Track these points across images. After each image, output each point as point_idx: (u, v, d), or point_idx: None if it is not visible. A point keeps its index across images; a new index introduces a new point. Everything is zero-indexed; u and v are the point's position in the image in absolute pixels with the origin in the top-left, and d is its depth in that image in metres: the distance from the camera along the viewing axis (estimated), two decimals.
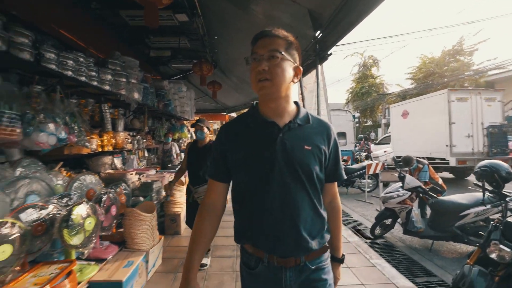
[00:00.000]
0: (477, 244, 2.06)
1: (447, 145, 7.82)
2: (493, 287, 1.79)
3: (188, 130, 7.65)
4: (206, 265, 2.86)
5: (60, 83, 2.33)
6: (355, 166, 7.11)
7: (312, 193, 0.99)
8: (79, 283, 1.45)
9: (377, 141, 13.61)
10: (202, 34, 4.85)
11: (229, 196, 1.10)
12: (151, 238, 2.32)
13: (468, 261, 2.02)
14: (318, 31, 3.12)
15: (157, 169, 4.84)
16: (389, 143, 10.55)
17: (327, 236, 1.06)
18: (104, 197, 1.85)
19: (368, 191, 6.49)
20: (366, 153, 11.06)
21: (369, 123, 30.25)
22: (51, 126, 1.90)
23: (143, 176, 3.62)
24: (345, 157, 8.37)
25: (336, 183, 1.13)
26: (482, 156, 7.59)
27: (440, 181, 4.40)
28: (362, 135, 18.39)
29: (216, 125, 15.28)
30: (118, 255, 1.93)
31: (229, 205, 1.12)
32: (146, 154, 5.54)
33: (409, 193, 3.55)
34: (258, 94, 0.97)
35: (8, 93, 1.69)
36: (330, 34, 2.95)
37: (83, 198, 1.83)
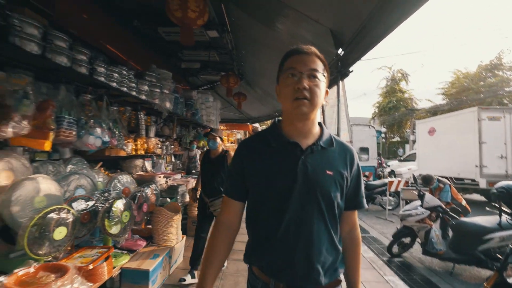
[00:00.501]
0: (495, 268, 2.02)
1: (476, 166, 7.43)
2: None
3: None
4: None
5: (106, 93, 2.66)
6: (377, 182, 6.96)
7: (329, 222, 0.93)
8: (114, 267, 1.67)
9: (402, 158, 13.15)
10: (230, 48, 5.17)
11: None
12: (175, 236, 2.53)
13: (485, 284, 1.99)
14: (340, 49, 3.26)
15: (182, 174, 5.14)
16: (414, 160, 10.15)
17: (341, 270, 0.99)
18: (138, 195, 2.09)
19: (389, 209, 6.31)
20: (390, 170, 10.74)
21: (397, 138, 29.17)
22: (98, 130, 2.20)
23: (170, 179, 3.90)
24: (366, 173, 8.21)
25: (356, 212, 1.05)
26: None
27: (464, 203, 4.23)
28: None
29: (239, 134, 15.62)
30: (145, 248, 2.15)
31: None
32: (173, 160, 5.88)
33: (428, 212, 3.48)
34: (293, 112, 0.91)
35: (68, 102, 2.02)
36: (351, 52, 3.07)
37: (120, 194, 2.09)
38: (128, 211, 1.82)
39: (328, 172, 0.92)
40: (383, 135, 28.34)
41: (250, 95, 7.75)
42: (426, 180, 4.36)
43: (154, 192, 2.45)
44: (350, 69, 3.39)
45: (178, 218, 2.60)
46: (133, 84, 3.21)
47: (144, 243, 2.18)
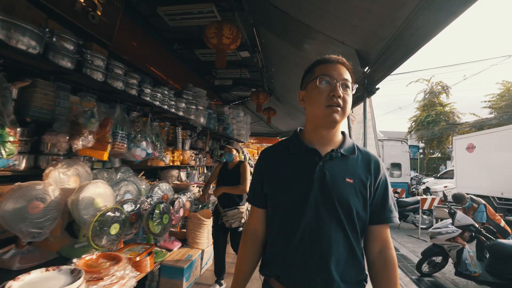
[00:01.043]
0: None
1: None
2: None
3: (243, 152, 8.27)
4: None
5: (150, 110, 3.05)
6: (409, 199, 6.66)
7: (350, 232, 0.88)
8: (155, 262, 1.93)
9: (438, 175, 12.33)
10: (261, 67, 5.49)
11: None
12: (207, 240, 2.76)
13: None
14: (366, 67, 3.36)
15: (213, 184, 5.44)
16: (452, 178, 9.51)
17: (364, 285, 0.92)
18: (176, 201, 2.37)
19: (422, 228, 5.99)
20: (425, 187, 10.10)
21: (437, 154, 27.27)
22: (144, 143, 2.55)
23: (202, 189, 4.20)
24: (398, 189, 7.87)
25: (386, 229, 0.96)
26: None
27: (503, 223, 3.93)
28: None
29: None
30: (180, 249, 2.40)
31: None
32: (205, 171, 6.23)
33: (459, 230, 3.32)
34: (324, 118, 0.90)
35: (121, 119, 2.39)
36: (376, 71, 3.16)
37: (160, 200, 2.38)
38: (167, 214, 2.09)
39: (348, 179, 0.89)
40: (421, 150, 26.69)
41: (280, 110, 7.97)
42: (458, 199, 4.14)
43: (189, 199, 2.72)
44: (376, 86, 3.47)
45: (209, 223, 2.83)
46: (173, 102, 3.60)
47: (179, 244, 2.43)
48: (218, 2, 3.63)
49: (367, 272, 0.94)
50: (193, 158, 4.41)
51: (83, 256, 1.50)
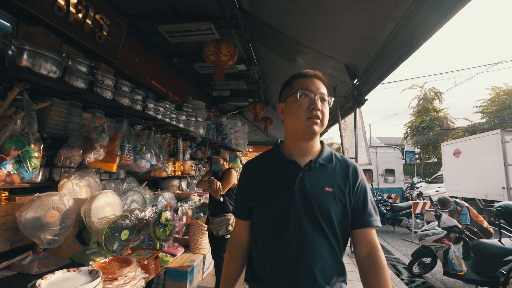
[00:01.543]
0: (500, 283, 2.10)
1: (503, 188, 7.30)
2: None
3: (241, 161, 8.43)
4: None
5: (154, 124, 3.23)
6: (402, 204, 6.84)
7: (332, 238, 0.92)
8: (161, 266, 2.07)
9: (429, 180, 12.82)
10: (257, 78, 5.73)
11: None
12: (208, 245, 2.90)
13: None
14: (356, 80, 3.59)
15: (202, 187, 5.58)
16: (442, 182, 10.01)
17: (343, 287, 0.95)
18: (179, 209, 2.52)
19: (415, 231, 6.14)
20: (418, 192, 10.33)
21: (434, 159, 27.57)
22: (148, 155, 2.72)
23: (202, 197, 4.35)
24: (392, 195, 8.06)
25: (372, 231, 0.97)
26: None
27: (485, 224, 4.11)
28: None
29: None
30: (184, 254, 2.54)
31: None
32: None
33: (445, 232, 3.49)
34: (305, 130, 0.93)
35: (128, 133, 2.57)
36: (364, 83, 3.39)
37: (164, 208, 2.54)
38: (172, 221, 2.25)
39: (327, 188, 0.92)
40: (417, 156, 27.00)
41: (276, 119, 8.20)
42: (443, 203, 4.33)
43: (191, 207, 2.88)
44: (365, 97, 3.69)
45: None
46: (174, 115, 3.79)
47: (182, 250, 2.58)
48: (215, 20, 3.87)
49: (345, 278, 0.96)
50: (193, 168, 4.57)
51: (97, 259, 1.66)
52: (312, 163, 0.96)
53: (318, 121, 0.93)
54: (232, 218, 2.93)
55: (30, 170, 1.53)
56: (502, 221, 2.81)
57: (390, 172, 8.65)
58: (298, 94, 0.94)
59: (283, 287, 0.89)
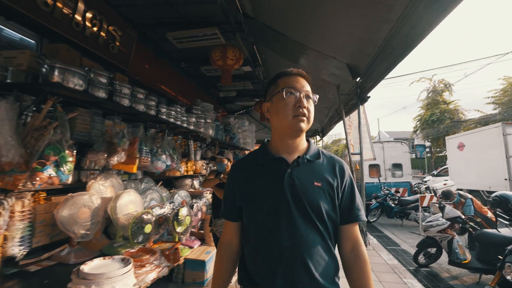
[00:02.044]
0: (497, 268, 2.22)
1: (506, 179, 7.47)
2: None
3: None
4: None
5: (167, 127, 3.45)
6: (410, 198, 6.90)
7: (324, 232, 0.93)
8: (180, 256, 2.28)
9: (435, 173, 12.98)
10: (262, 79, 5.90)
11: None
12: None
13: (490, 283, 2.19)
14: (358, 78, 3.72)
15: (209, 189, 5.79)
16: (448, 175, 10.27)
17: (337, 281, 0.97)
18: (194, 205, 2.72)
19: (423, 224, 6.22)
20: (426, 186, 10.33)
21: (445, 153, 27.17)
22: (164, 156, 2.93)
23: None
24: (400, 189, 8.12)
25: (356, 227, 1.01)
26: None
27: (490, 215, 4.17)
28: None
29: None
30: (200, 247, 2.74)
31: None
32: None
33: (448, 222, 3.59)
34: (292, 128, 0.94)
35: (144, 136, 2.79)
36: (366, 81, 3.52)
37: (180, 205, 2.75)
38: (188, 216, 2.45)
39: (316, 183, 0.93)
40: (427, 149, 26.63)
41: None
42: (446, 195, 4.42)
43: (205, 203, 3.08)
44: (368, 95, 3.81)
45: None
46: (184, 118, 3.99)
47: (199, 243, 2.78)
48: (220, 25, 4.05)
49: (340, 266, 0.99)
50: (204, 167, 4.78)
51: (126, 250, 1.87)
52: (300, 159, 0.97)
53: (305, 118, 0.94)
54: None
55: (66, 173, 1.75)
56: (498, 209, 2.92)
57: (397, 166, 8.70)
58: (284, 92, 0.95)
59: (280, 285, 0.88)
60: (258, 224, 0.95)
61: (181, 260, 2.27)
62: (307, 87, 0.99)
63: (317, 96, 1.02)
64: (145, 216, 2.08)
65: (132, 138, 2.51)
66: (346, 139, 4.11)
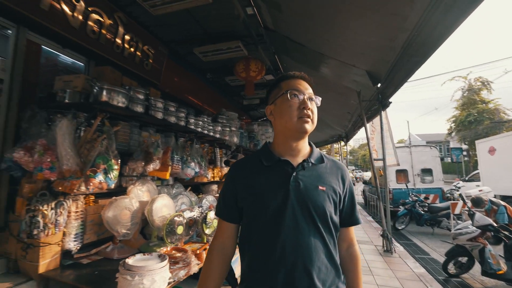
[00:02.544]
0: None
1: None
2: None
3: None
4: None
5: (195, 136, 3.72)
6: (441, 204, 6.56)
7: (327, 238, 0.92)
8: None
9: (466, 178, 12.14)
10: None
11: None
12: None
13: None
14: (379, 84, 3.75)
15: None
16: (479, 180, 9.72)
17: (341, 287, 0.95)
18: None
19: None
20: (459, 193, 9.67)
21: None
22: (192, 164, 3.18)
23: None
24: (431, 196, 7.72)
25: (353, 229, 1.05)
26: None
27: None
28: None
29: None
30: None
31: None
32: None
33: (479, 230, 3.43)
34: (296, 130, 0.94)
35: (175, 145, 3.06)
36: (387, 87, 3.54)
37: (208, 208, 2.97)
38: (216, 218, 2.66)
39: (320, 187, 0.93)
40: (464, 152, 24.90)
41: None
42: (476, 202, 4.18)
43: None
44: (390, 100, 3.81)
45: None
46: (211, 127, 4.25)
47: None
48: (243, 38, 4.29)
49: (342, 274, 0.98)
50: None
51: (161, 248, 2.11)
52: (305, 162, 0.97)
53: (309, 120, 0.95)
54: None
55: (113, 179, 2.03)
56: None
57: (427, 171, 8.28)
58: (288, 94, 0.96)
59: (279, 286, 0.87)
60: (260, 225, 0.93)
61: None
62: (310, 90, 1.00)
63: (320, 99, 1.01)
64: (177, 218, 2.31)
65: (165, 147, 2.78)
66: (368, 145, 4.10)
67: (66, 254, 2.08)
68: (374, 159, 4.54)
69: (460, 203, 5.67)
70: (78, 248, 2.13)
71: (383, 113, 3.98)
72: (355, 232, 1.09)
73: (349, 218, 1.01)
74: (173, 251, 2.11)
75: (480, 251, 3.38)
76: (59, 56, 3.07)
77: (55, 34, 2.63)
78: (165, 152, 2.72)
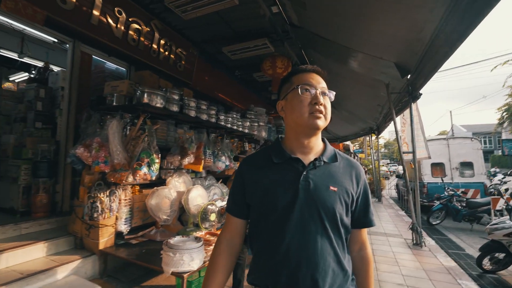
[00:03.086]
0: None
1: None
2: None
3: None
4: None
5: (225, 132, 3.96)
6: (480, 200, 6.12)
7: (335, 240, 0.89)
8: None
9: (508, 172, 10.66)
10: None
11: None
12: None
13: None
14: (409, 75, 3.65)
15: None
16: None
17: None
18: None
19: None
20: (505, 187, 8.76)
21: None
22: (223, 158, 3.42)
23: None
24: (471, 190, 7.18)
25: (365, 231, 1.01)
26: None
27: None
28: None
29: None
30: None
31: None
32: None
33: None
34: (308, 125, 0.90)
35: (207, 141, 3.32)
36: (416, 78, 3.45)
37: None
38: None
39: (332, 188, 0.90)
40: None
41: (336, 116, 8.31)
42: None
43: None
44: (420, 91, 3.70)
45: None
46: (240, 123, 4.47)
47: None
48: (269, 35, 4.40)
49: (352, 277, 0.96)
50: None
51: (196, 233, 2.37)
52: (317, 161, 0.93)
53: (321, 115, 0.90)
54: None
55: (155, 171, 2.33)
56: None
57: (467, 165, 7.68)
58: (299, 89, 0.91)
59: (282, 287, 0.86)
60: (268, 223, 0.91)
61: None
62: (323, 84, 0.94)
63: (334, 93, 0.96)
64: (210, 207, 2.56)
65: (198, 142, 3.04)
66: (397, 138, 4.02)
67: (118, 235, 2.44)
68: (404, 152, 4.42)
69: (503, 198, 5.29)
70: (128, 230, 2.48)
71: (413, 105, 3.86)
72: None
73: (361, 220, 0.97)
74: (207, 235, 2.36)
75: None
76: (105, 63, 3.47)
77: (102, 44, 3.00)
78: (198, 147, 2.99)
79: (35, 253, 2.13)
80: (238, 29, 4.40)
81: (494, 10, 1.90)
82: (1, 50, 4.24)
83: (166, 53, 3.98)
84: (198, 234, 2.37)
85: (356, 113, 7.97)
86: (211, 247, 2.16)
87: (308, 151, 0.96)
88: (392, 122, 4.29)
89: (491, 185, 8.45)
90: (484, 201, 5.95)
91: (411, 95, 3.78)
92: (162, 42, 3.86)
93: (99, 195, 2.16)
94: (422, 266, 3.14)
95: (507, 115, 22.41)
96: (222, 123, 3.79)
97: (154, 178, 2.76)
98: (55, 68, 3.73)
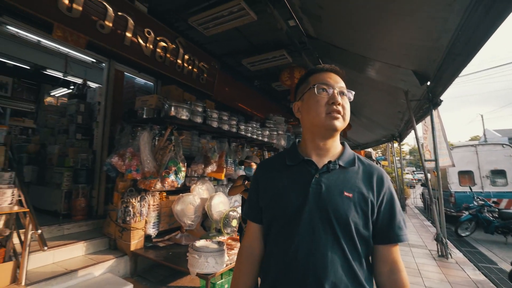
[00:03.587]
0: None
1: None
2: None
3: None
4: None
5: (245, 141, 4.12)
6: None
7: (349, 252, 0.81)
8: None
9: None
10: None
11: None
12: None
13: None
14: (428, 82, 3.62)
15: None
16: None
17: None
18: None
19: None
20: None
21: None
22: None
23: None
24: (504, 200, 6.72)
25: (396, 249, 0.87)
26: None
27: None
28: None
29: None
30: None
31: None
32: None
33: None
34: (325, 127, 0.86)
35: (228, 150, 3.48)
36: (436, 85, 3.42)
37: None
38: None
39: (346, 193, 0.84)
40: None
41: (355, 124, 8.24)
42: None
43: None
44: (440, 98, 3.64)
45: None
46: (259, 132, 4.62)
47: None
48: (287, 46, 4.56)
49: None
50: None
51: (219, 237, 2.51)
52: (331, 164, 0.87)
53: (339, 116, 0.86)
54: None
55: (181, 179, 2.51)
56: None
57: (499, 173, 7.19)
58: (315, 89, 0.87)
59: None
60: (278, 227, 0.88)
61: None
62: (341, 83, 0.90)
63: (353, 93, 0.92)
64: (231, 213, 2.69)
65: (220, 151, 3.21)
66: (418, 146, 3.95)
67: (146, 238, 2.63)
68: (426, 160, 4.32)
69: None
70: (156, 233, 2.67)
71: (434, 112, 3.80)
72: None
73: (385, 233, 0.85)
74: (229, 240, 2.49)
75: None
76: (135, 79, 3.78)
77: (133, 62, 3.29)
78: (220, 156, 3.15)
79: (75, 252, 2.37)
80: (257, 42, 4.59)
81: None
82: (49, 70, 4.80)
83: (190, 67, 4.24)
84: (221, 239, 2.50)
85: (375, 120, 7.85)
86: (233, 251, 2.28)
87: (323, 153, 0.91)
88: (419, 127, 4.23)
89: None
90: None
91: (432, 102, 3.74)
92: (186, 57, 4.12)
93: (131, 200, 2.36)
94: (447, 279, 3.04)
95: None
96: (243, 132, 3.95)
97: (180, 185, 2.96)
98: (92, 85, 4.11)
